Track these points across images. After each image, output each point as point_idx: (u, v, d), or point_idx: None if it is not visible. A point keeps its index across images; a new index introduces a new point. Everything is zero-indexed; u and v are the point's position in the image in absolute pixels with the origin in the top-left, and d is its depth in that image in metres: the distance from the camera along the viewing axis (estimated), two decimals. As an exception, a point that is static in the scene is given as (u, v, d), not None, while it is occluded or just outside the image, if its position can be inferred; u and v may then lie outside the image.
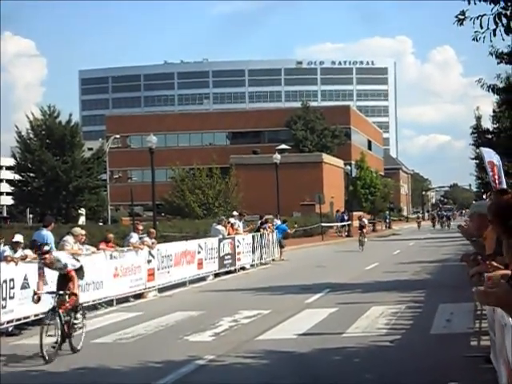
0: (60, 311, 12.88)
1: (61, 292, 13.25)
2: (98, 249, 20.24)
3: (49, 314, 12.90)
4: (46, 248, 13.63)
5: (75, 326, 13.40)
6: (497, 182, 18.02)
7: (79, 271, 13.89)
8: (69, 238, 18.85)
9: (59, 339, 12.63)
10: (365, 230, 45.40)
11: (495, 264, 7.07)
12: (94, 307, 19.02)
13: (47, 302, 13.51)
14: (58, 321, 12.73)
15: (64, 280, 13.50)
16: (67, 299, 13.22)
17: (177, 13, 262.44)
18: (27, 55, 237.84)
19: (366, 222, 48.51)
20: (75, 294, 13.42)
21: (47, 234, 19.00)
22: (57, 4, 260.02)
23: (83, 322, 13.80)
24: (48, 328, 12.54)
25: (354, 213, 69.85)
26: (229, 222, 31.65)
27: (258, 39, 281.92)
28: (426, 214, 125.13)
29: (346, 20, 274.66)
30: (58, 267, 13.54)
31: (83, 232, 19.74)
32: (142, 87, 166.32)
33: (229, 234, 30.32)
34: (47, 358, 12.15)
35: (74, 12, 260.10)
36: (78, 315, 13.66)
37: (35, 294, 13.21)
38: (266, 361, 12.00)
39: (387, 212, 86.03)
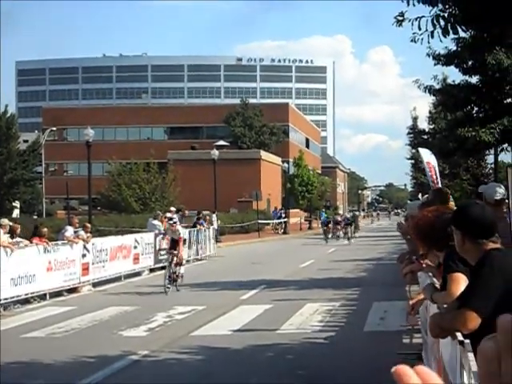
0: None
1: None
2: (31, 242, 19.93)
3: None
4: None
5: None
6: (435, 181, 18.23)
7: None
8: (-1, 230, 18.53)
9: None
10: (178, 252, 21.99)
11: (429, 262, 7.16)
12: (26, 301, 18.78)
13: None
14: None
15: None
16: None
17: (117, 6, 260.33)
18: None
19: (181, 233, 22.82)
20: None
21: None
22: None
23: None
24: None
25: (291, 210, 70.12)
26: (165, 217, 31.43)
27: (198, 34, 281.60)
28: (362, 212, 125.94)
29: (286, 18, 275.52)
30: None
31: (11, 223, 19.47)
32: (80, 80, 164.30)
33: (165, 229, 30.12)
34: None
35: (11, 2, 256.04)
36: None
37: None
38: (200, 357, 11.98)
39: (323, 210, 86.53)
